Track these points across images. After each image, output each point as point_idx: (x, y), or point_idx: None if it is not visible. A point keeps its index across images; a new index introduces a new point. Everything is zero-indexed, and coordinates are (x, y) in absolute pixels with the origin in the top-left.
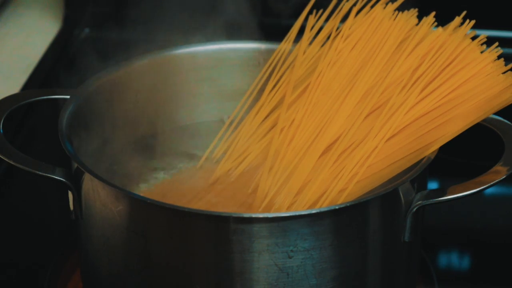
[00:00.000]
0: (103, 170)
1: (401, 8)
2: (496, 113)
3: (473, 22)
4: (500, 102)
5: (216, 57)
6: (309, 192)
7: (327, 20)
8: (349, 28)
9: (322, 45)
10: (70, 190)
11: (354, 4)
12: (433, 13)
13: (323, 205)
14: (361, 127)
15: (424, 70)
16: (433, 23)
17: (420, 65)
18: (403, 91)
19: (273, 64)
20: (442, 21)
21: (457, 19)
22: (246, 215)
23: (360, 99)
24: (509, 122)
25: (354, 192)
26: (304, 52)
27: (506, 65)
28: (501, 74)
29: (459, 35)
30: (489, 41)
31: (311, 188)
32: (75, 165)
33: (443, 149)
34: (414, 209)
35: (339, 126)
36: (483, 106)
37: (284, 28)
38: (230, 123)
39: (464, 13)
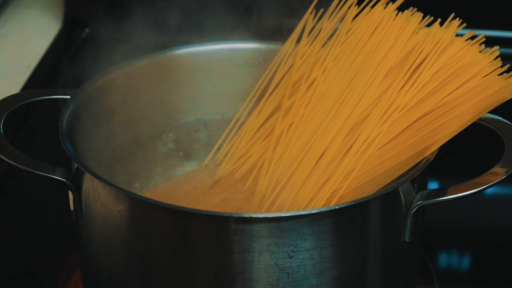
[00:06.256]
0: (103, 170)
1: (401, 8)
2: (497, 113)
3: (458, 21)
4: (498, 101)
5: (216, 57)
6: (299, 198)
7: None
8: (346, 34)
9: (321, 48)
10: (70, 190)
11: (351, 5)
12: (421, 15)
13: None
14: (349, 135)
15: (418, 67)
16: (432, 23)
17: (415, 64)
18: (394, 94)
19: (275, 66)
20: (442, 21)
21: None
22: (247, 215)
23: (356, 105)
24: (509, 122)
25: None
26: (302, 56)
27: (504, 65)
28: (498, 76)
29: (450, 33)
30: (488, 41)
31: (301, 193)
32: (75, 165)
33: (443, 149)
34: (414, 209)
35: (335, 131)
36: (481, 106)
37: (285, 28)
38: (233, 125)
39: (452, 14)
